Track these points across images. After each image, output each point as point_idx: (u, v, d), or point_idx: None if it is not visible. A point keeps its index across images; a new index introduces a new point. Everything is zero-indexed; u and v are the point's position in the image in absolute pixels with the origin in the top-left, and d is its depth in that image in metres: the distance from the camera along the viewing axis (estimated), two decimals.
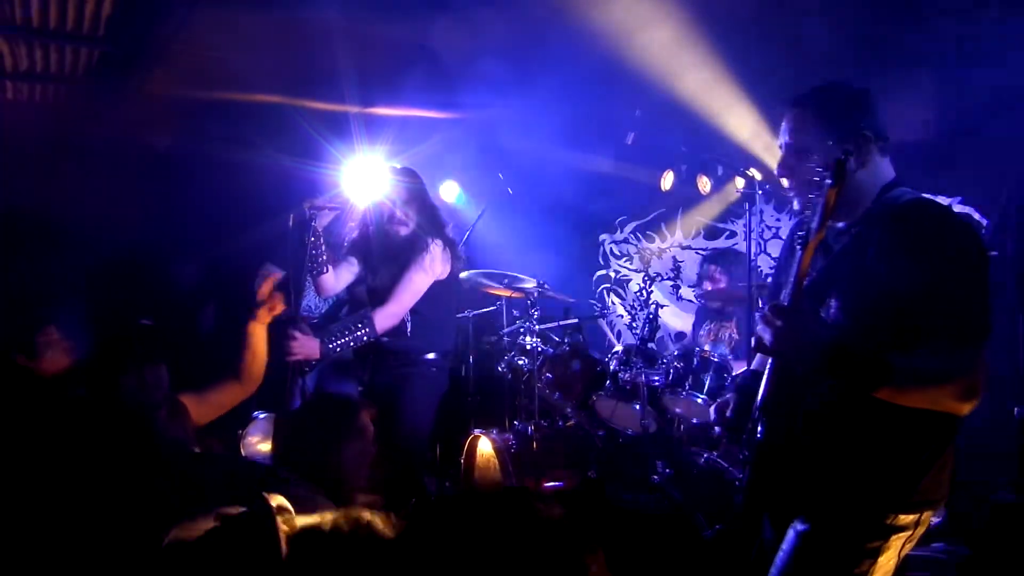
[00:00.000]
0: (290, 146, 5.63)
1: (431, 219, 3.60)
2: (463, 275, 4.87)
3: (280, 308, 3.11)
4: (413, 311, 3.53)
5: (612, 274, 6.72)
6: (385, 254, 3.58)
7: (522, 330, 4.57)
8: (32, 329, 2.93)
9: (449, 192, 6.10)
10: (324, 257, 3.56)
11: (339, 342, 3.34)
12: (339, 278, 3.70)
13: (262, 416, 3.58)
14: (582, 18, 3.53)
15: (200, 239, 4.98)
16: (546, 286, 4.64)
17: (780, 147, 1.97)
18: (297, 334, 3.30)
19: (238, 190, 5.16)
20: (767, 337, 1.73)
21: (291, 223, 3.39)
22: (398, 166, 3.65)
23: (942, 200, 4.39)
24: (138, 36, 3.68)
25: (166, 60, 3.93)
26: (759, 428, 1.84)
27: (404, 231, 3.56)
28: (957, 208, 4.46)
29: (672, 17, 3.60)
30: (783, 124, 1.95)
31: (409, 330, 3.55)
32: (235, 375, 3.15)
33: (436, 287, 3.56)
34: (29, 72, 4.16)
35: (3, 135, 4.62)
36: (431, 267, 3.50)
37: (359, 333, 3.37)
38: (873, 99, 1.92)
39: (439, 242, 3.54)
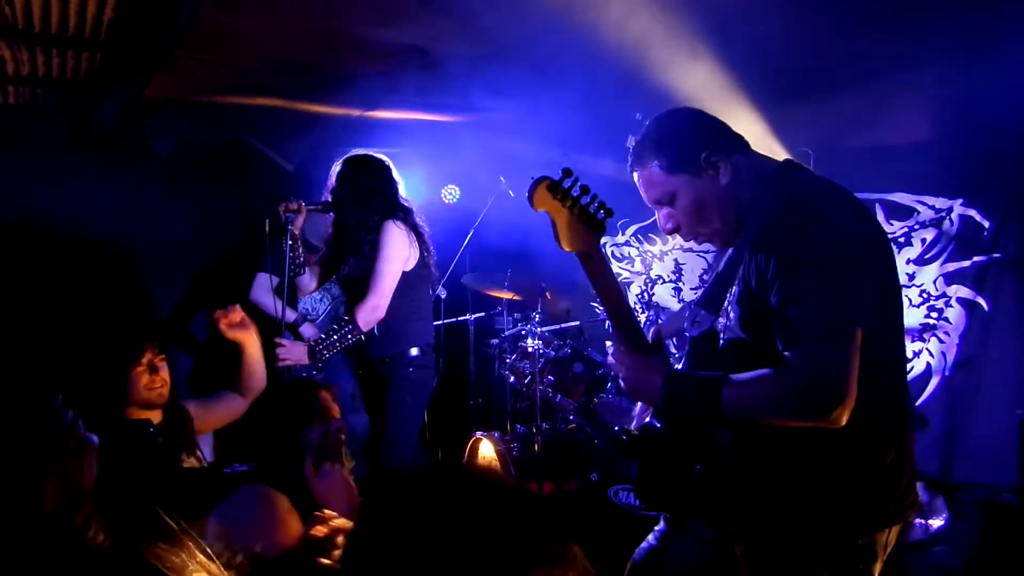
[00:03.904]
0: (291, 150, 5.65)
1: (372, 204, 3.48)
2: (465, 278, 4.87)
3: (237, 316, 3.11)
4: None
5: None
6: (350, 248, 3.52)
7: (523, 332, 4.58)
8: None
9: (450, 195, 6.10)
10: (302, 259, 3.57)
11: (326, 343, 3.34)
12: (314, 278, 3.74)
13: None
14: (582, 21, 3.53)
15: (200, 244, 4.99)
16: (547, 288, 4.64)
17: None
18: (284, 340, 3.30)
19: (239, 195, 5.17)
20: (620, 381, 1.89)
21: (266, 227, 3.39)
22: (353, 156, 3.59)
23: (940, 201, 4.43)
24: (140, 41, 3.68)
25: (168, 64, 3.93)
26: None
27: (352, 221, 3.49)
28: (959, 210, 4.43)
29: (673, 19, 3.61)
30: (638, 184, 1.93)
31: (376, 331, 3.48)
32: (234, 386, 3.16)
33: (401, 279, 3.44)
34: (31, 77, 4.17)
35: (5, 140, 4.63)
36: (393, 251, 3.40)
37: (344, 331, 3.35)
38: (703, 116, 1.89)
39: (389, 223, 3.43)
